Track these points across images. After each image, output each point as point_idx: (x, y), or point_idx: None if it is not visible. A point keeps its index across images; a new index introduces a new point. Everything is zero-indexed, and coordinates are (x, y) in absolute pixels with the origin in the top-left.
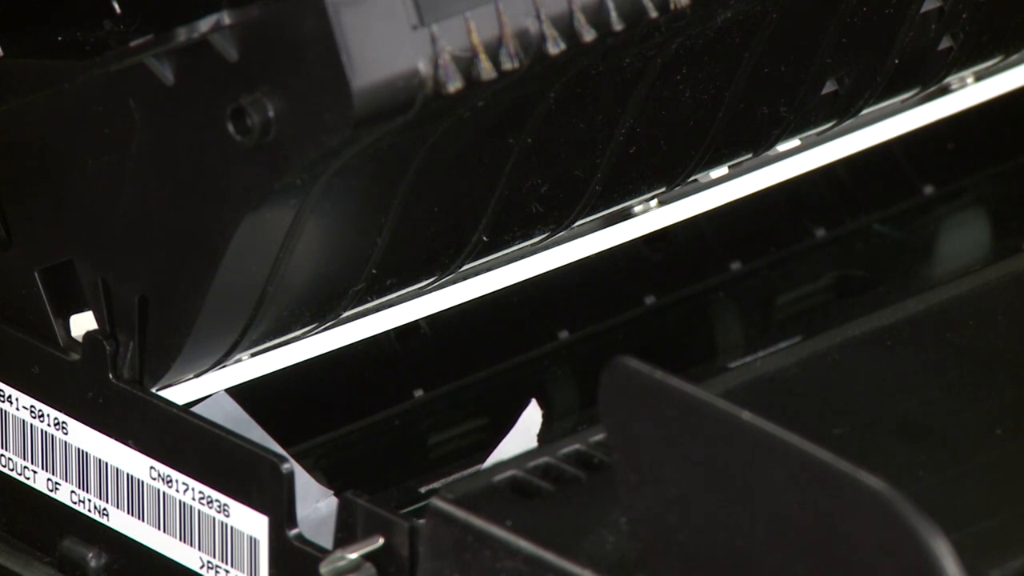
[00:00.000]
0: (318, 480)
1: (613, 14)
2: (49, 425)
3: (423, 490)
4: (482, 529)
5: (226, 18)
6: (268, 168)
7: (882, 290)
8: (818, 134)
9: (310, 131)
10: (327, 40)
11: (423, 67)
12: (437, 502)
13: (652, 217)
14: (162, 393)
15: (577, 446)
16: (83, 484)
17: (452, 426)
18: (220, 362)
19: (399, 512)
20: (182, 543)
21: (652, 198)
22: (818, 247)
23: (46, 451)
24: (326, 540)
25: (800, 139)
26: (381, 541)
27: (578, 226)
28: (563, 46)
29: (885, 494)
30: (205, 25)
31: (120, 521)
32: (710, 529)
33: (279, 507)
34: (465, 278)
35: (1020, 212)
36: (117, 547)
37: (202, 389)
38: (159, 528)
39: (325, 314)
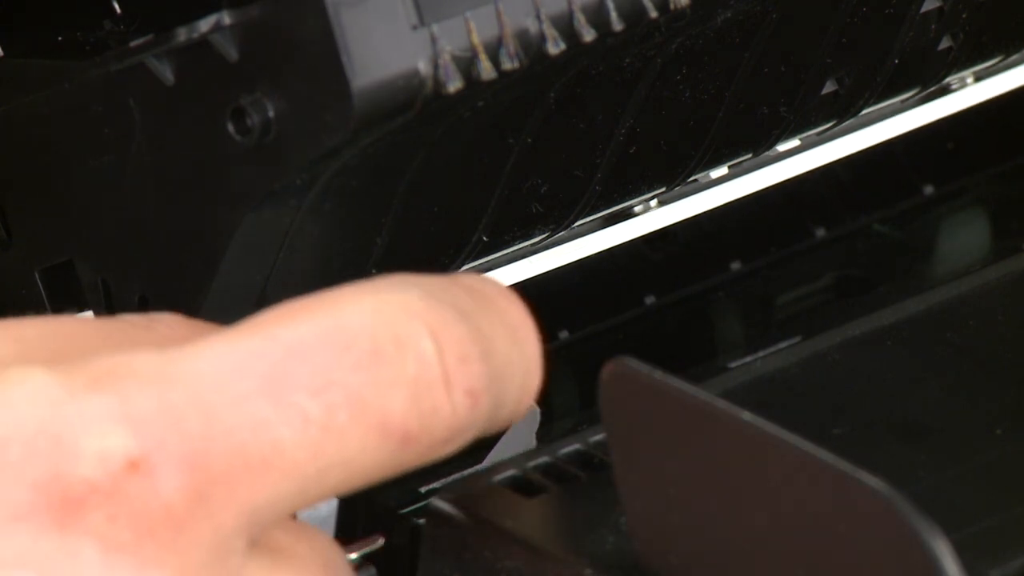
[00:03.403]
0: None
1: (613, 14)
2: None
3: (423, 490)
4: (482, 529)
5: (226, 18)
6: (268, 168)
7: (882, 290)
8: (818, 134)
9: (310, 131)
10: (327, 40)
11: (423, 67)
12: (437, 502)
13: (652, 217)
14: None
15: (577, 446)
16: None
17: None
18: None
19: (399, 512)
20: None
21: (652, 198)
22: (818, 247)
23: None
24: None
25: (800, 139)
26: (381, 541)
27: (578, 226)
28: (563, 46)
29: (885, 494)
30: (205, 25)
31: None
32: (710, 529)
33: None
34: None
35: (1020, 212)
36: None
37: None
38: None
39: None
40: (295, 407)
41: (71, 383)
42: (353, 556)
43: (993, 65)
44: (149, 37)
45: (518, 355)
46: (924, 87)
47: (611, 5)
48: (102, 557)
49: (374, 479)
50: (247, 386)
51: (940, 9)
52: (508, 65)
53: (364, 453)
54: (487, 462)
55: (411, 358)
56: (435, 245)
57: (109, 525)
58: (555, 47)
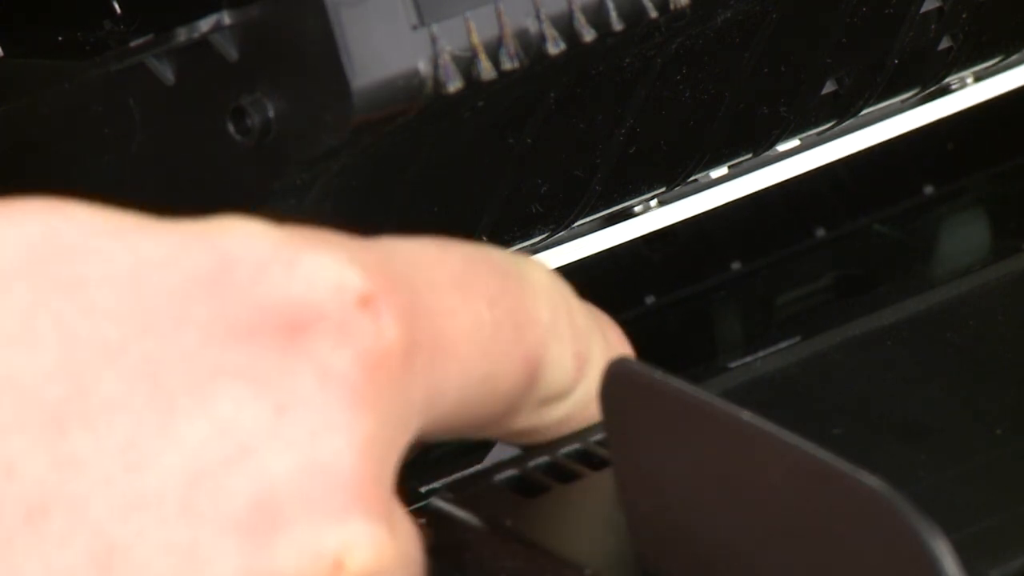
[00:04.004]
0: None
1: (613, 14)
2: None
3: (423, 490)
4: (482, 529)
5: (226, 18)
6: (268, 168)
7: (882, 290)
8: (818, 134)
9: (310, 131)
10: (327, 40)
11: (423, 67)
12: (437, 502)
13: (652, 217)
14: None
15: (577, 445)
16: None
17: None
18: None
19: None
20: None
21: (652, 198)
22: (818, 247)
23: None
24: None
25: (800, 139)
26: None
27: (578, 226)
28: (563, 46)
29: (885, 494)
30: (205, 25)
31: None
32: (710, 529)
33: None
34: None
35: (1020, 212)
36: None
37: None
38: None
39: None
40: (476, 309)
41: (291, 237)
42: None
43: (993, 65)
44: (149, 37)
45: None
46: (924, 87)
47: (611, 5)
48: (319, 383)
49: (501, 409)
50: (442, 277)
51: (940, 9)
52: (508, 65)
53: (509, 376)
54: (487, 462)
55: (544, 303)
56: None
57: (331, 354)
58: (555, 47)
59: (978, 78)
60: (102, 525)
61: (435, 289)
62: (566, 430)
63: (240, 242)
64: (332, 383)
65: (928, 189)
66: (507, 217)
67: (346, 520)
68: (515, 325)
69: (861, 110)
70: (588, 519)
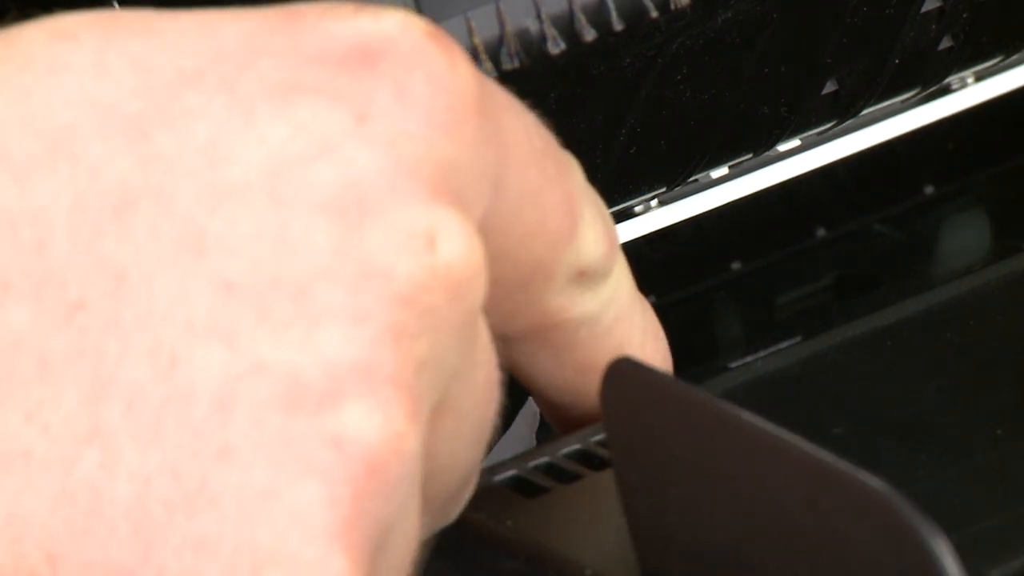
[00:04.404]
0: None
1: (614, 14)
2: None
3: None
4: (482, 529)
5: None
6: None
7: (882, 290)
8: (818, 134)
9: None
10: None
11: None
12: None
13: (652, 217)
14: None
15: (577, 445)
16: None
17: None
18: None
19: None
20: None
21: (652, 198)
22: (818, 247)
23: None
24: None
25: (800, 139)
26: None
27: None
28: (563, 46)
29: (885, 494)
30: None
31: None
32: (710, 529)
33: None
34: None
35: (1020, 212)
36: None
37: None
38: None
39: None
40: (527, 124)
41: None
42: None
43: (993, 65)
44: None
45: (642, 318)
46: (924, 87)
47: (612, 5)
48: (396, 98)
49: (546, 251)
50: (497, 89)
51: (940, 9)
52: (509, 65)
53: (555, 209)
54: (487, 462)
55: (577, 171)
56: None
57: (407, 75)
58: (556, 47)
59: (979, 78)
60: (191, 214)
61: (493, 88)
62: (592, 347)
63: (303, 4)
64: (410, 100)
65: (928, 189)
66: None
67: (435, 207)
68: (557, 163)
69: (861, 110)
70: (588, 519)
